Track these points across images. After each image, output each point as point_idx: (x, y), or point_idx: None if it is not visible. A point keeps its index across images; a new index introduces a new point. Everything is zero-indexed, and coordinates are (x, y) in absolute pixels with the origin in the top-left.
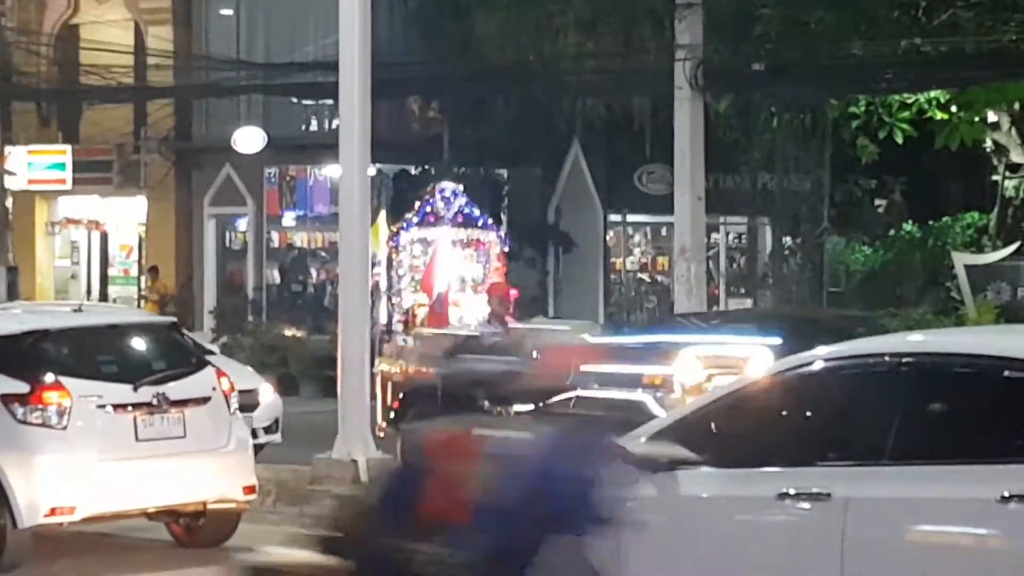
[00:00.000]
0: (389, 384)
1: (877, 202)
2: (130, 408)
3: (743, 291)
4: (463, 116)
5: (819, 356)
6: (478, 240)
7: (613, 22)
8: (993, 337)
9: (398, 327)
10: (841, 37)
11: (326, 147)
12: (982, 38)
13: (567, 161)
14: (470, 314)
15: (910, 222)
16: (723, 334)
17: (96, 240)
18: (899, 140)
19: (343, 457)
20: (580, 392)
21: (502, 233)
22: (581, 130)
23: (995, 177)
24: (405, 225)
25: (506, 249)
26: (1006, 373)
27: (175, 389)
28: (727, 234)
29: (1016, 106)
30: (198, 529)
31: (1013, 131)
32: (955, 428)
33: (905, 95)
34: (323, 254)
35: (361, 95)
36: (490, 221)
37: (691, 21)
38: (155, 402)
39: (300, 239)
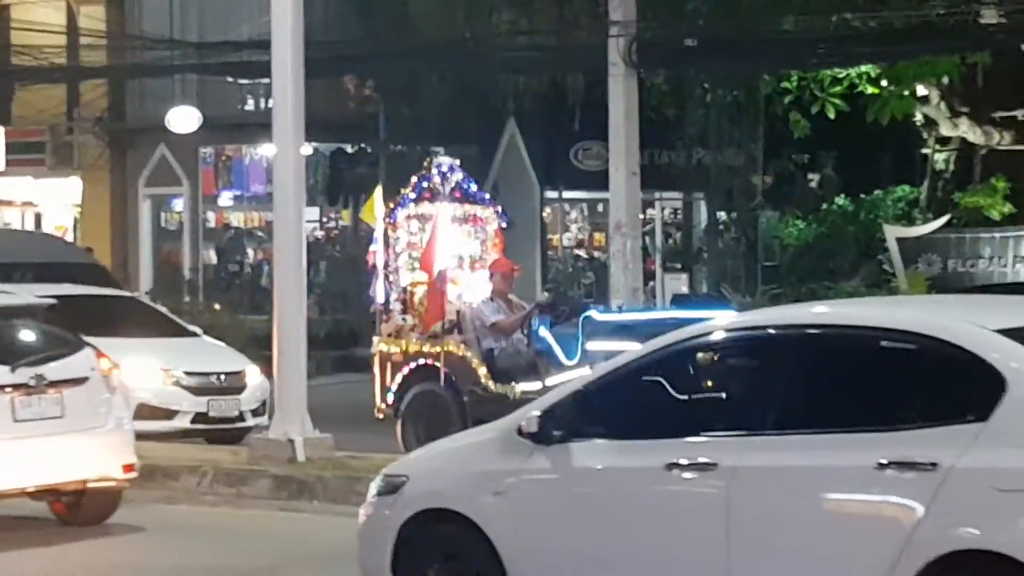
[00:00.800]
0: (388, 364)
1: (810, 176)
2: (8, 389)
3: (679, 266)
4: (399, 94)
5: (711, 327)
6: (475, 216)
7: None
8: (874, 308)
9: (396, 306)
10: (773, 12)
11: (262, 126)
12: (911, 12)
13: (503, 139)
14: (470, 292)
15: (843, 196)
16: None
17: (30, 221)
18: (831, 115)
19: (280, 437)
20: None
21: (499, 208)
22: (517, 108)
23: (925, 150)
24: (402, 201)
25: (503, 225)
26: (882, 343)
27: (53, 370)
28: (663, 209)
29: (945, 80)
30: (79, 507)
31: (942, 104)
32: (836, 398)
33: (836, 70)
34: (260, 234)
35: (294, 74)
36: (487, 196)
37: None
38: (33, 383)
39: (237, 219)
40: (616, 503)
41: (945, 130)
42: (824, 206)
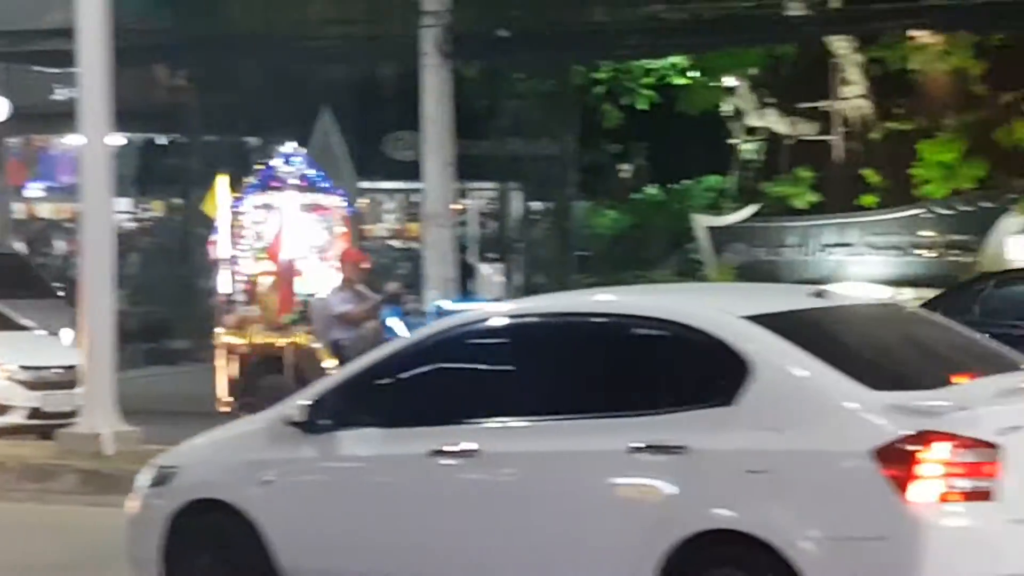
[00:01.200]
0: (233, 356)
1: (622, 166)
2: None
3: (494, 256)
4: (212, 84)
5: (480, 315)
6: (319, 205)
7: None
8: (628, 296)
9: (239, 297)
10: (585, 4)
11: (71, 116)
12: (719, 5)
13: (316, 129)
14: (316, 282)
15: (654, 185)
16: None
17: None
18: (642, 106)
19: (87, 431)
20: None
21: (346, 197)
22: (331, 98)
23: (733, 141)
24: (247, 190)
25: (349, 213)
26: (633, 330)
27: None
28: (477, 200)
29: (752, 71)
30: None
31: (750, 96)
32: (591, 383)
33: (647, 61)
34: (70, 225)
35: (101, 62)
36: (332, 184)
37: None
38: None
39: (46, 211)
40: (381, 490)
41: (753, 121)
42: (636, 196)
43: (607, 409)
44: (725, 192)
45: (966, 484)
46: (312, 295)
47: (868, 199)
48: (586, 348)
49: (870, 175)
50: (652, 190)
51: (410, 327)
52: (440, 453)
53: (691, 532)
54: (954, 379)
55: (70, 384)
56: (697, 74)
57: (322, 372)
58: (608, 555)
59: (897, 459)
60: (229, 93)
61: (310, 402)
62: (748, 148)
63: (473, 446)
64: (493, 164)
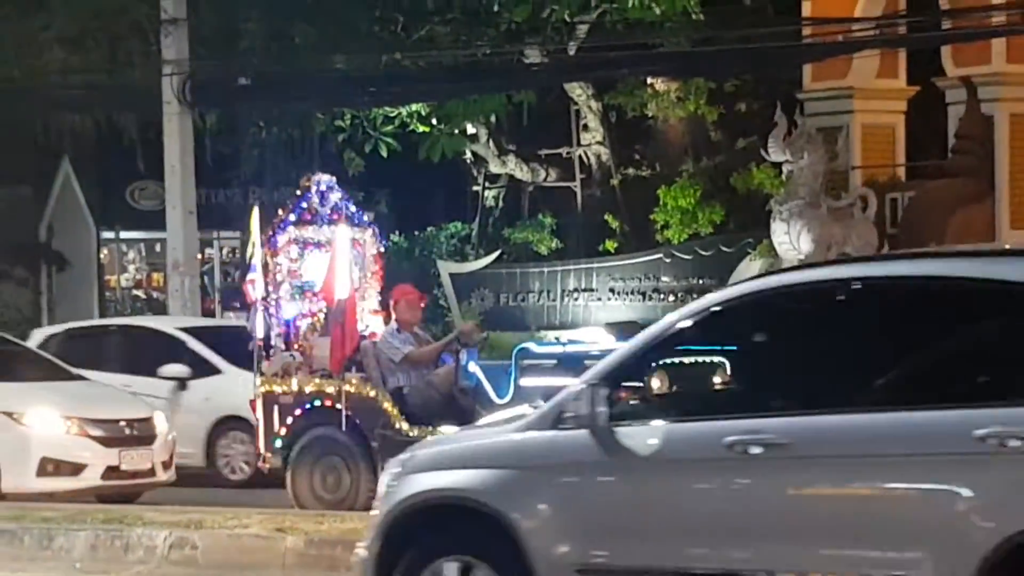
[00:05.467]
0: (275, 407)
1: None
2: None
3: (238, 305)
4: None
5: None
6: (354, 239)
7: (99, 37)
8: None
9: (278, 341)
10: (324, 51)
11: None
12: (458, 52)
13: (57, 179)
14: (373, 323)
15: (397, 233)
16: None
17: None
18: (384, 153)
19: None
20: None
21: (376, 230)
22: (71, 147)
23: (476, 188)
24: (281, 224)
25: (382, 249)
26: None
27: None
28: (221, 248)
29: (492, 118)
30: None
31: (490, 143)
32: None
33: (388, 109)
34: None
35: None
36: (365, 218)
37: (177, 36)
38: None
39: None
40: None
41: (494, 167)
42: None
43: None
44: (468, 238)
45: None
46: (369, 338)
47: (610, 244)
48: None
49: (611, 220)
50: (395, 237)
51: (486, 372)
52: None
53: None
54: None
55: (148, 440)
56: (437, 121)
57: (382, 422)
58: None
59: None
60: None
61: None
62: (490, 195)
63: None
64: (236, 212)
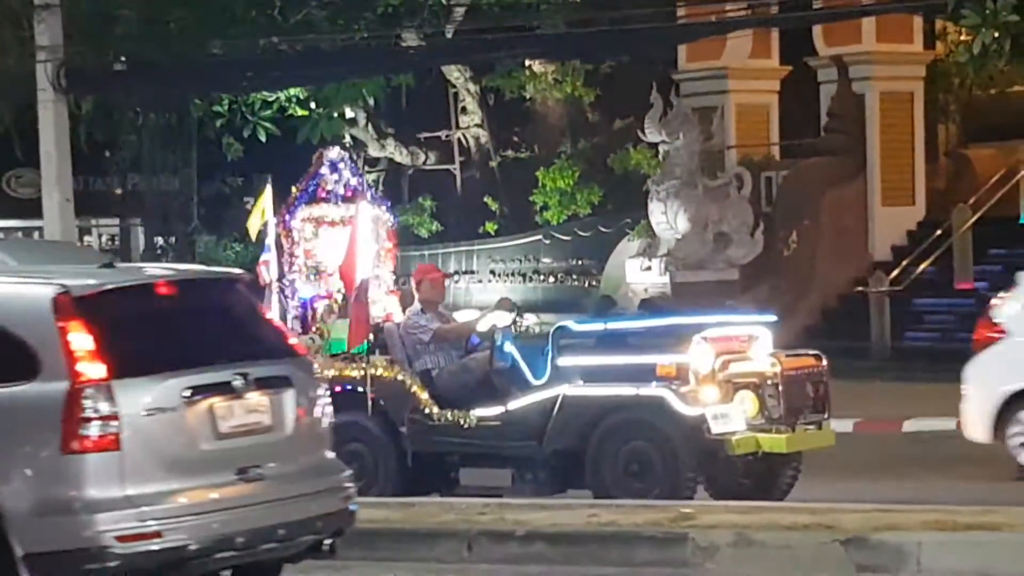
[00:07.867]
0: None
1: (245, 199)
2: None
3: None
4: None
5: None
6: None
7: None
8: None
9: (295, 324)
10: (201, 36)
11: None
12: (336, 36)
13: None
14: (389, 304)
15: None
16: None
17: None
18: (262, 138)
19: None
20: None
21: (388, 206)
22: None
23: None
24: (295, 203)
25: (394, 226)
26: None
27: None
28: (100, 236)
29: (371, 101)
30: None
31: (369, 126)
32: None
33: (266, 93)
34: None
35: None
36: (377, 193)
37: (50, 22)
38: None
39: None
40: None
41: (373, 151)
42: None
43: None
44: None
45: None
46: (384, 320)
47: (490, 226)
48: None
49: (491, 202)
50: None
51: (523, 352)
52: None
53: None
54: None
55: None
56: (315, 105)
57: (411, 406)
58: None
59: None
60: None
61: None
62: (369, 178)
63: None
64: (114, 199)
